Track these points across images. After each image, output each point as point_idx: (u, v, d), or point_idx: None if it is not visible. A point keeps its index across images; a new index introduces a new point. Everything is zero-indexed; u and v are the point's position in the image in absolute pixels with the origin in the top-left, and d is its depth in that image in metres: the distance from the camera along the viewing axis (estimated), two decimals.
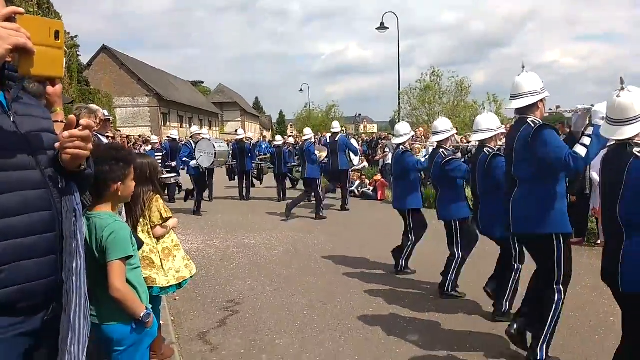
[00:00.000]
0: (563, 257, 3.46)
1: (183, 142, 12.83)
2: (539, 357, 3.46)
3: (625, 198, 2.59)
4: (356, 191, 13.74)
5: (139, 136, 23.22)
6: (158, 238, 3.50)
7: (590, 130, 3.23)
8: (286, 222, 9.96)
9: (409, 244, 6.04)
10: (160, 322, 3.78)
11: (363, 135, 24.09)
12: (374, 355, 3.91)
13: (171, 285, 3.40)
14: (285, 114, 79.37)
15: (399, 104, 25.49)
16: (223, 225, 9.65)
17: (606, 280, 2.80)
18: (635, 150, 2.59)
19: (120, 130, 25.11)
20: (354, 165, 13.30)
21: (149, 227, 3.44)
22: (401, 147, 6.19)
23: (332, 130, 11.92)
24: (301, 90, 45.03)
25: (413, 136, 7.23)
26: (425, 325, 4.47)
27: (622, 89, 2.70)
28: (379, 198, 13.27)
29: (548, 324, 3.46)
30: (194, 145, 11.30)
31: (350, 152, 11.89)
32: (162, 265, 3.43)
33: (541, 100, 3.58)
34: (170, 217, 3.58)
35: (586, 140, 3.20)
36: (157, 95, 40.20)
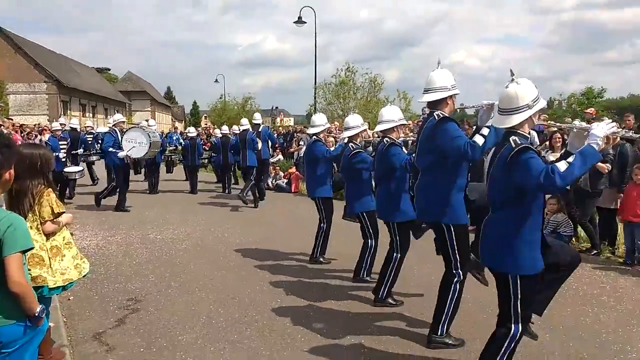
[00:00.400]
0: (457, 245, 3.70)
1: (106, 131, 11.75)
2: (439, 333, 3.74)
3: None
4: (270, 184, 13.71)
5: (35, 125, 21.47)
6: (48, 235, 3.27)
7: (490, 122, 3.47)
8: (195, 217, 9.71)
9: (321, 232, 6.16)
10: (50, 324, 3.53)
11: (280, 127, 24.04)
12: (278, 344, 3.93)
13: (57, 287, 3.20)
14: (200, 105, 77.30)
15: (315, 98, 25.78)
16: (127, 220, 9.20)
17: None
18: (512, 138, 2.81)
19: (12, 119, 23.08)
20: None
21: (39, 222, 3.20)
22: (314, 136, 6.28)
23: (242, 127, 11.48)
24: (216, 81, 43.92)
25: (328, 128, 7.32)
26: (332, 314, 4.57)
27: (512, 80, 2.90)
28: (292, 191, 13.35)
29: (448, 304, 3.72)
30: (119, 135, 10.37)
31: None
32: (50, 265, 3.21)
33: (451, 97, 3.77)
34: (64, 213, 3.36)
35: (484, 131, 3.45)
36: (56, 82, 37.40)
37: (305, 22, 22.84)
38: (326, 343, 3.95)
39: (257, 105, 43.98)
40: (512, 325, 2.88)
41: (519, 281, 2.83)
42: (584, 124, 3.20)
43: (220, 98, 44.71)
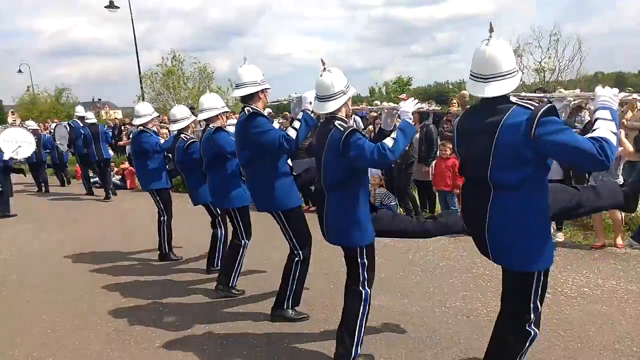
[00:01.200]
0: (290, 228, 3.85)
1: None
2: (284, 307, 3.93)
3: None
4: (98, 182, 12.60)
5: None
6: None
7: (300, 115, 3.66)
8: (15, 222, 8.55)
9: (162, 225, 5.90)
10: None
11: (109, 121, 22.09)
12: (127, 342, 3.74)
13: None
14: (3, 99, 67.20)
15: (142, 88, 24.27)
16: None
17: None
18: (338, 122, 3.08)
19: None
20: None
21: None
22: (140, 127, 5.91)
23: (88, 120, 10.80)
24: (20, 71, 38.49)
25: (159, 118, 6.92)
26: (182, 307, 4.47)
27: (325, 69, 3.12)
28: (128, 187, 12.48)
29: (291, 281, 3.89)
30: None
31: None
32: None
33: (262, 91, 3.86)
34: None
35: (296, 124, 3.63)
36: None
37: (118, 7, 21.16)
38: (180, 335, 3.86)
39: (75, 98, 39.81)
40: (362, 289, 3.17)
41: (365, 250, 3.14)
42: (392, 104, 3.69)
43: (28, 90, 39.42)
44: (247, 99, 3.80)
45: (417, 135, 7.29)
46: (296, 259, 3.90)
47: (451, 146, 6.84)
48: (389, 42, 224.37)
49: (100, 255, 6.26)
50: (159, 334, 3.87)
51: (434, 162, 7.25)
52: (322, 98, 3.13)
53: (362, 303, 3.17)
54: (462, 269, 5.12)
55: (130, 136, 13.72)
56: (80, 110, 11.54)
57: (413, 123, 3.17)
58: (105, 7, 20.82)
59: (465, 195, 2.66)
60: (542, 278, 2.47)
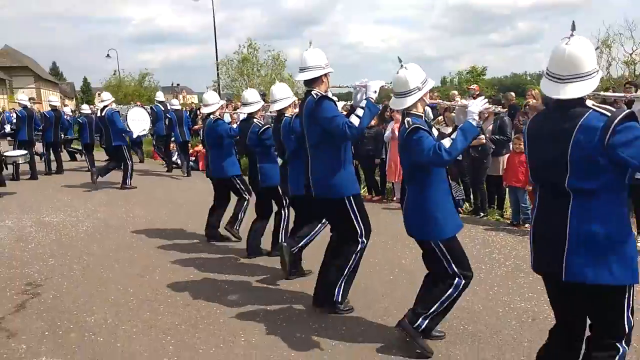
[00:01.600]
0: (359, 214, 3.84)
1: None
2: (335, 298, 3.89)
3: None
4: (178, 162, 13.24)
5: None
6: None
7: (364, 103, 3.66)
8: (94, 197, 9.18)
9: (244, 205, 6.11)
10: None
11: (186, 106, 23.06)
12: (194, 317, 3.92)
13: None
14: (91, 82, 71.94)
15: (218, 74, 25.11)
16: (17, 204, 8.47)
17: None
18: (406, 120, 3.12)
19: None
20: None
21: None
22: (211, 116, 6.11)
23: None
24: (108, 55, 40.95)
25: (223, 105, 7.07)
26: (244, 286, 4.61)
27: (402, 66, 3.17)
28: (200, 168, 13.01)
29: (346, 271, 3.86)
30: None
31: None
32: None
33: (325, 75, 3.85)
34: None
35: (359, 112, 3.61)
36: None
37: None
38: (242, 313, 4.00)
39: (156, 82, 41.93)
40: (456, 280, 3.24)
41: (442, 245, 3.17)
42: (464, 102, 3.60)
43: (115, 74, 41.90)
44: (310, 83, 3.82)
45: (490, 127, 7.02)
46: (358, 247, 3.86)
47: None
48: (465, 31, 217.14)
49: (170, 232, 6.59)
50: (223, 311, 4.03)
51: (506, 156, 6.97)
52: (398, 94, 3.21)
53: (453, 288, 3.25)
54: (529, 269, 4.89)
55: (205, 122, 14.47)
56: (160, 96, 12.24)
57: (480, 122, 3.13)
58: None
59: (540, 204, 2.42)
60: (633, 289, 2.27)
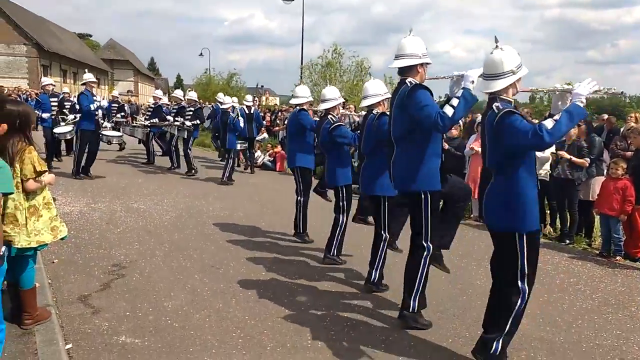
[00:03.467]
0: (430, 213, 3.62)
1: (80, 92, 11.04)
2: (410, 310, 3.74)
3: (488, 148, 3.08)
4: (257, 162, 13.67)
5: (15, 88, 20.92)
6: (28, 194, 3.25)
7: (459, 93, 3.41)
8: (179, 188, 9.66)
9: (299, 206, 6.20)
10: (36, 283, 3.53)
11: (264, 107, 23.84)
12: (263, 314, 3.99)
13: (30, 248, 3.21)
14: (184, 78, 76.06)
15: (301, 77, 25.57)
16: (109, 189, 9.10)
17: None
18: (495, 105, 2.94)
19: None
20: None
21: (19, 180, 3.18)
22: (297, 107, 6.21)
23: (224, 105, 11.13)
24: (201, 54, 43.08)
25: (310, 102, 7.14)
26: (314, 289, 4.64)
27: (497, 47, 2.99)
28: (277, 169, 13.33)
29: (418, 278, 3.70)
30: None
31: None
32: (26, 224, 3.21)
33: (422, 65, 3.66)
34: (46, 172, 3.34)
35: (454, 102, 3.38)
36: (36, 45, 36.24)
37: (293, 0, 22.53)
38: (310, 316, 4.02)
39: (242, 82, 43.38)
40: (523, 287, 3.04)
41: (525, 239, 2.99)
42: (565, 86, 3.26)
43: (205, 72, 43.92)
44: (405, 71, 3.67)
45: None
46: (424, 253, 3.67)
47: (624, 166, 6.07)
48: (560, 46, 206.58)
49: (246, 228, 6.77)
50: (291, 312, 4.07)
51: (595, 179, 6.52)
52: (488, 76, 3.03)
53: (520, 298, 3.04)
54: (618, 305, 4.54)
55: (285, 122, 14.81)
56: (249, 100, 13.05)
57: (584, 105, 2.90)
58: None
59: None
60: None
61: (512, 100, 3.05)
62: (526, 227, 2.99)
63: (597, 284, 5.13)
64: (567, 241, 6.80)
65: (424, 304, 3.86)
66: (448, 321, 4.00)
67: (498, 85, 2.96)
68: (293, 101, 6.38)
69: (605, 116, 10.91)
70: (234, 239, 6.20)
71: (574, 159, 6.56)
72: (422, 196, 3.61)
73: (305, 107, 6.24)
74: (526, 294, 3.06)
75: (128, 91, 20.40)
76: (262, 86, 68.34)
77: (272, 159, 13.76)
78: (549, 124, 2.76)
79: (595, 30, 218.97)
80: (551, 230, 7.24)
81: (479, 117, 8.71)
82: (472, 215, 8.13)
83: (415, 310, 3.77)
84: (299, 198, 6.22)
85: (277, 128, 16.04)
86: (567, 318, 4.21)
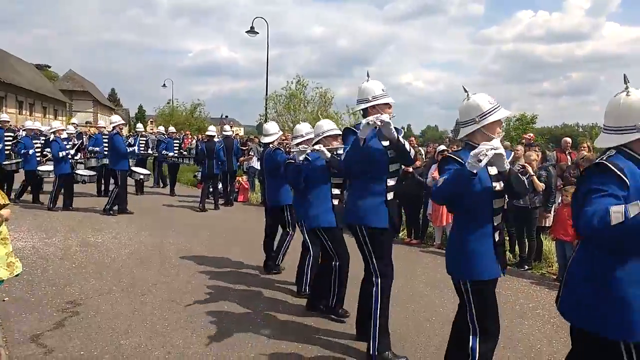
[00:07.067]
0: (373, 248, 3.68)
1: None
2: (370, 349, 3.66)
3: None
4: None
5: None
6: None
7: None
8: (138, 221, 9.43)
9: (288, 239, 6.14)
10: None
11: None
12: (225, 349, 3.88)
13: None
14: (146, 109, 75.20)
15: (266, 108, 25.75)
16: (65, 223, 8.80)
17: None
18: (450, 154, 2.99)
19: None
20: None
21: None
22: (271, 145, 6.24)
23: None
24: (164, 85, 42.97)
25: (280, 136, 7.21)
26: (278, 321, 4.56)
27: (467, 96, 2.98)
28: (239, 200, 13.22)
29: (376, 315, 3.67)
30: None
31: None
32: None
33: (373, 107, 3.72)
34: (7, 205, 3.23)
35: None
36: None
37: (258, 33, 22.88)
38: (275, 350, 3.94)
39: (206, 113, 43.25)
40: (474, 344, 2.97)
41: (470, 287, 2.93)
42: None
43: (168, 103, 43.63)
44: (364, 114, 3.77)
45: (535, 178, 6.84)
46: (374, 289, 3.69)
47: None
48: (516, 78, 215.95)
49: (208, 260, 6.64)
50: (254, 345, 3.98)
51: (553, 207, 6.76)
52: (458, 123, 3.10)
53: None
54: None
55: (250, 152, 14.81)
56: (228, 129, 13.49)
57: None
58: (246, 32, 22.63)
59: None
60: None
61: (477, 145, 2.73)
62: (473, 275, 2.88)
63: (555, 308, 5.24)
64: (526, 267, 6.96)
65: (385, 345, 3.69)
66: (412, 349, 4.00)
67: (462, 132, 3.00)
68: (265, 140, 6.37)
69: (569, 139, 11.34)
70: (195, 273, 6.06)
71: (535, 180, 6.73)
72: (365, 230, 3.68)
73: (275, 143, 6.27)
74: (476, 353, 2.90)
75: (87, 122, 19.90)
76: (227, 116, 68.16)
77: (236, 190, 13.62)
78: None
79: (549, 63, 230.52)
80: (510, 256, 7.41)
81: (440, 147, 8.95)
82: (434, 243, 8.25)
83: (376, 353, 3.64)
84: (288, 231, 6.15)
85: (242, 159, 15.96)
86: (527, 342, 4.28)
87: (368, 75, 3.82)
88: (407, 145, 3.60)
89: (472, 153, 2.55)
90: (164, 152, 14.68)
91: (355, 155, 3.53)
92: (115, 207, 10.09)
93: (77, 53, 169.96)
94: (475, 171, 2.54)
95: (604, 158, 2.17)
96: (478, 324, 2.92)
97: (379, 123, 3.30)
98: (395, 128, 3.50)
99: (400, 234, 8.70)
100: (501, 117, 2.89)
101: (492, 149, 2.53)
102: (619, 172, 2.07)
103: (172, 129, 16.76)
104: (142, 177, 12.92)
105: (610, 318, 2.11)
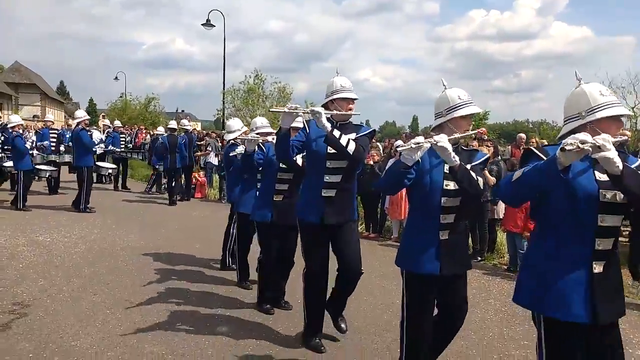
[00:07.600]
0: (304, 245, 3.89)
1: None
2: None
3: None
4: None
5: None
6: None
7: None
8: (90, 219, 9.12)
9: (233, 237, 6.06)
10: None
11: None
12: (181, 348, 3.82)
13: None
14: (97, 103, 72.61)
15: (223, 103, 25.37)
16: (11, 222, 8.41)
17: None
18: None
19: None
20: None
21: None
22: (231, 141, 6.14)
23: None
24: (116, 78, 41.66)
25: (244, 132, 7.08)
26: (235, 318, 4.52)
27: (444, 88, 2.98)
28: (195, 196, 13.01)
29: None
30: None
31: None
32: None
33: (331, 102, 3.75)
34: None
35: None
36: None
37: (214, 26, 22.52)
38: (232, 348, 3.90)
39: (161, 107, 42.22)
40: (402, 333, 3.09)
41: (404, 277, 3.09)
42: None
43: (121, 97, 42.30)
44: (326, 108, 3.77)
45: (486, 172, 7.06)
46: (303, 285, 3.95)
47: None
48: (470, 76, 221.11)
49: (163, 257, 6.51)
50: (211, 343, 3.93)
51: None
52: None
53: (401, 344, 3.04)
54: (525, 317, 4.81)
55: (208, 148, 14.57)
56: (187, 124, 13.78)
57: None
58: (202, 24, 22.20)
59: None
60: None
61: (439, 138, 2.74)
62: (405, 265, 2.97)
63: (506, 297, 5.43)
64: (479, 258, 7.18)
65: (313, 329, 3.90)
66: (369, 340, 4.06)
67: (434, 124, 3.00)
68: (228, 136, 6.25)
69: (523, 135, 12.01)
70: (150, 271, 5.92)
71: (487, 175, 6.93)
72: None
73: (237, 140, 6.16)
74: (404, 342, 3.00)
75: (34, 116, 19.06)
76: (183, 111, 66.94)
77: (193, 186, 13.39)
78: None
79: (500, 61, 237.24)
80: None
81: (397, 142, 9.08)
82: (392, 236, 8.39)
83: (305, 336, 3.93)
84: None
85: (199, 153, 15.67)
86: (480, 331, 4.42)
87: (338, 72, 3.89)
88: (345, 141, 3.48)
89: (410, 141, 2.65)
90: (110, 147, 14.04)
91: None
92: (89, 204, 9.92)
93: (22, 45, 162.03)
94: (410, 164, 2.66)
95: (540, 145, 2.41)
96: (406, 312, 3.00)
97: (300, 112, 3.57)
98: (360, 125, 3.77)
99: (359, 228, 8.80)
100: (468, 113, 2.86)
101: (416, 143, 2.60)
102: (539, 153, 2.29)
103: (117, 123, 16.55)
104: (109, 171, 13.21)
105: (534, 292, 2.34)
